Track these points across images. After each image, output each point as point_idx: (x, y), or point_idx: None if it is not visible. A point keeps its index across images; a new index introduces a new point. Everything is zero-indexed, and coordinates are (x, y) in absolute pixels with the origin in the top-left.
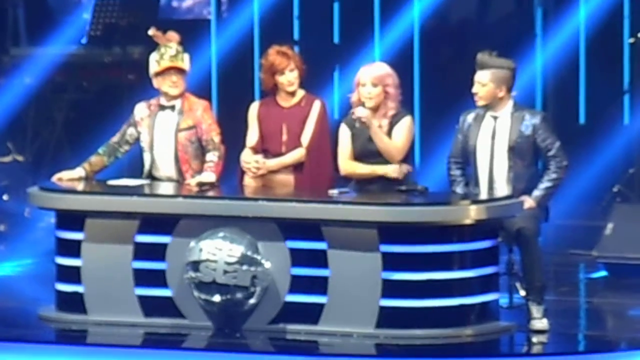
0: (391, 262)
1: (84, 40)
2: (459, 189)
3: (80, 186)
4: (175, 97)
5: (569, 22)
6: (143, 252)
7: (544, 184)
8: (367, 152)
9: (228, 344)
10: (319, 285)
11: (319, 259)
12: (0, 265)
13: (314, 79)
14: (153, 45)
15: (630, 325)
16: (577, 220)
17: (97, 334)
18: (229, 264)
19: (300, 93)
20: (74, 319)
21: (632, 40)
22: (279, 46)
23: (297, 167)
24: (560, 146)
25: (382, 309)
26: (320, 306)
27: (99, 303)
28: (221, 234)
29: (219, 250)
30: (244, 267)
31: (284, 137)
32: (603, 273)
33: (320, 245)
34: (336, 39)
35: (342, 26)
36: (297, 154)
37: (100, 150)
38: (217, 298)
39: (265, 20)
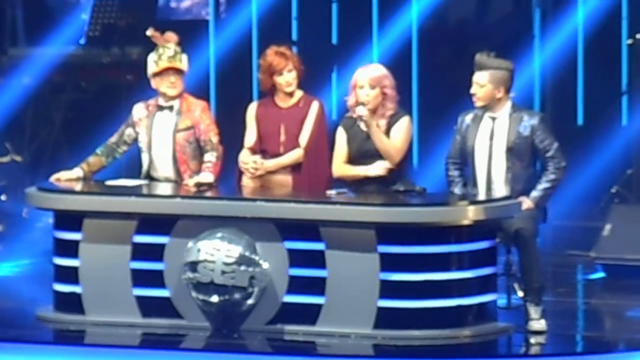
0: (389, 262)
1: (82, 41)
2: (457, 190)
3: (78, 186)
4: (173, 98)
5: (567, 23)
6: (141, 252)
7: (542, 185)
8: (363, 153)
9: (226, 344)
10: (317, 286)
11: (316, 259)
12: None
13: (312, 80)
14: (151, 46)
15: (628, 326)
16: (575, 221)
17: (94, 335)
18: (227, 264)
19: (299, 94)
20: (72, 319)
21: (630, 41)
22: (277, 47)
23: (295, 168)
24: (559, 147)
25: (380, 309)
26: (318, 307)
27: (96, 303)
28: (219, 235)
29: (217, 251)
30: (242, 268)
31: (282, 138)
32: (601, 274)
33: (318, 246)
34: (334, 40)
35: (341, 27)
36: (295, 155)
37: (98, 151)
38: (215, 298)
39: (263, 20)
